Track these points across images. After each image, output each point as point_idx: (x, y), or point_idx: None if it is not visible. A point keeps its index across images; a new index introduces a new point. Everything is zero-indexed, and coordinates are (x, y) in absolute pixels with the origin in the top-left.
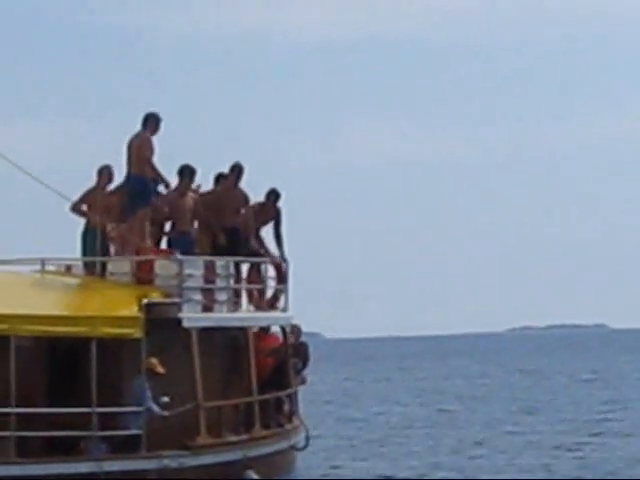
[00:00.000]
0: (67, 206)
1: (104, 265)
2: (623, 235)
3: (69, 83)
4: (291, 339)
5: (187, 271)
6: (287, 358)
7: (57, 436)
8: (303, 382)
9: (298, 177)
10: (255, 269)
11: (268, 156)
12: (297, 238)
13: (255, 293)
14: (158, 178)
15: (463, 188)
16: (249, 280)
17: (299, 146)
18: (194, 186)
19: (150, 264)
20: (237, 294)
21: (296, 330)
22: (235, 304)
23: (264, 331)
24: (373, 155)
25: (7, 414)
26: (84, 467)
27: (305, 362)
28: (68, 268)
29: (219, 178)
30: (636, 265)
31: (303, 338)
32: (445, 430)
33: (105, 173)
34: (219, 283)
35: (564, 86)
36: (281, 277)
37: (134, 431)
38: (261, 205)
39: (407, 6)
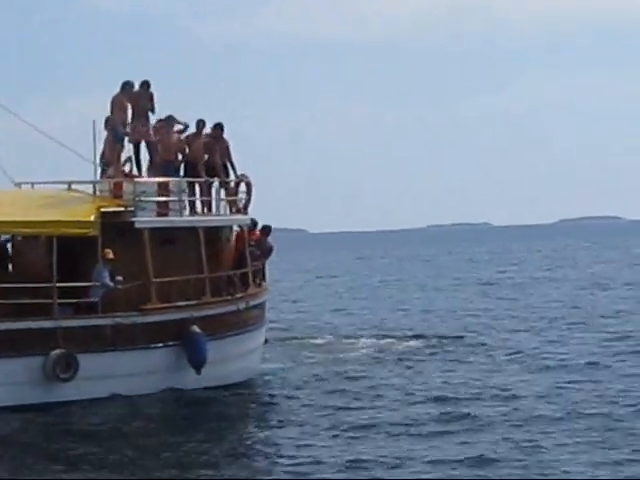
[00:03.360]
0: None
1: None
2: None
3: None
4: (255, 234)
5: (140, 189)
6: (244, 247)
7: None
8: (259, 264)
9: None
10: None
11: None
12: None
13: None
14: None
15: None
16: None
17: None
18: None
19: (120, 185)
20: (193, 205)
21: (267, 229)
22: (190, 211)
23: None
24: None
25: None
26: (48, 324)
27: (264, 252)
28: (69, 187)
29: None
30: None
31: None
32: None
33: (128, 86)
34: (171, 197)
35: None
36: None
37: (93, 299)
38: (216, 139)
39: None
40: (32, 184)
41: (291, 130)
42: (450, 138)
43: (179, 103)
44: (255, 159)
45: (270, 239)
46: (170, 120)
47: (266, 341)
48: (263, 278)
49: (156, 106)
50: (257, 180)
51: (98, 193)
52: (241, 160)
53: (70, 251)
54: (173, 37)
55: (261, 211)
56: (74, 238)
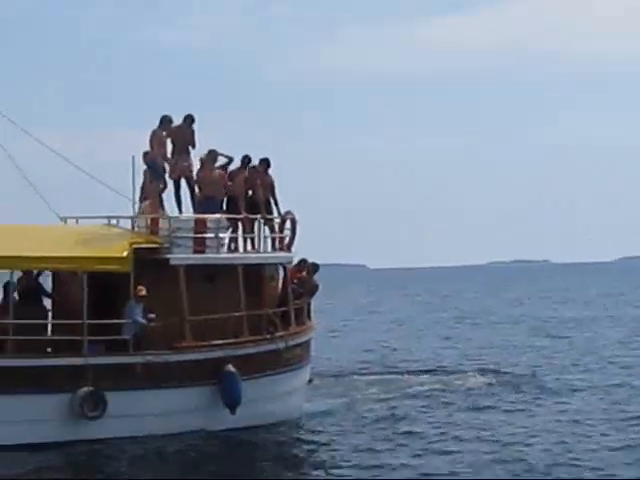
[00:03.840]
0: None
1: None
2: None
3: None
4: (300, 272)
5: (176, 225)
6: (286, 285)
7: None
8: (303, 302)
9: None
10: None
11: None
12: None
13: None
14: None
15: None
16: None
17: None
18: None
19: (157, 221)
20: (234, 241)
21: (311, 266)
22: (229, 248)
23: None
24: None
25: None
26: (76, 361)
27: (309, 290)
28: (109, 222)
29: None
30: None
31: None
32: None
33: (166, 120)
34: (209, 234)
35: None
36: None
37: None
38: (261, 175)
39: None
40: (77, 219)
41: (351, 163)
42: (511, 173)
43: (241, 136)
44: (318, 192)
45: (316, 277)
46: (212, 154)
47: (311, 380)
48: (308, 316)
49: (197, 141)
50: (318, 214)
51: (137, 229)
52: (308, 193)
53: (105, 288)
54: (236, 72)
55: (320, 245)
56: (109, 274)
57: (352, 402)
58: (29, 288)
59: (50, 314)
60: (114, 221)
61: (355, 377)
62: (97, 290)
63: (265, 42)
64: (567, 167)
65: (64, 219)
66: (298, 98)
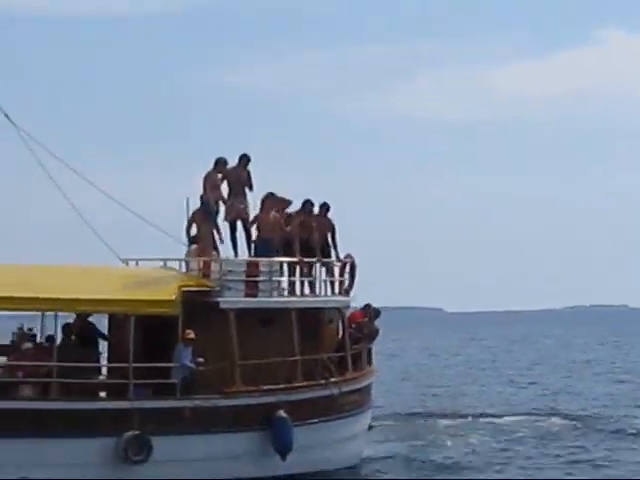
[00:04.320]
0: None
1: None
2: None
3: None
4: (363, 317)
5: (227, 268)
6: (344, 330)
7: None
8: (362, 347)
9: None
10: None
11: None
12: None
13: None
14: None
15: None
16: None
17: None
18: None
19: (208, 263)
20: (291, 284)
21: (371, 310)
22: (281, 291)
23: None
24: None
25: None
26: (122, 405)
27: (369, 335)
28: (164, 264)
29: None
30: None
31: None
32: None
33: (221, 162)
34: (261, 277)
35: None
36: (343, 272)
37: (171, 380)
38: (319, 219)
39: None
40: (137, 261)
41: (423, 208)
42: (586, 216)
43: (307, 178)
44: (396, 237)
45: (377, 322)
46: (270, 197)
47: (371, 427)
48: (369, 361)
49: (254, 183)
50: (397, 258)
51: (190, 271)
52: (385, 237)
53: (156, 330)
54: (308, 114)
55: (397, 289)
56: (159, 317)
57: (416, 447)
58: (83, 330)
59: (106, 356)
60: (170, 263)
61: (422, 421)
62: (149, 333)
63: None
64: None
65: (125, 261)
66: (362, 139)
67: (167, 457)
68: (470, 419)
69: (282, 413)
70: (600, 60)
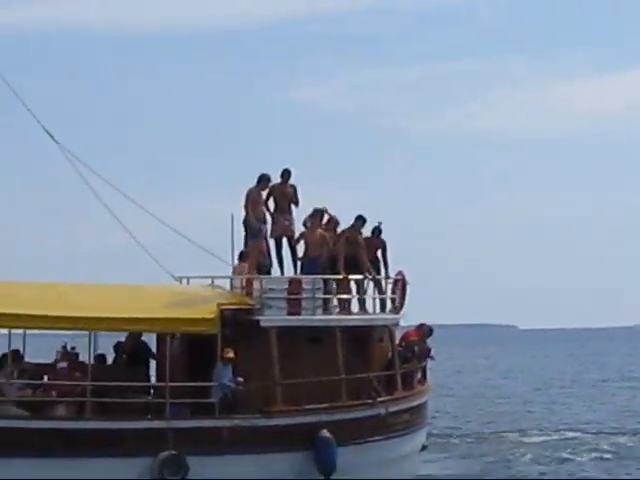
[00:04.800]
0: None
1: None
2: None
3: None
4: (415, 336)
5: (267, 286)
6: (393, 348)
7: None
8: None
9: None
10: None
11: None
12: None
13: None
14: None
15: None
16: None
17: None
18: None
19: (251, 281)
20: (342, 301)
21: (425, 329)
22: (330, 309)
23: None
24: None
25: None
26: (158, 424)
27: (420, 354)
28: (212, 282)
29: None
30: None
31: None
32: None
33: (264, 179)
34: (304, 294)
35: None
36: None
37: (210, 400)
38: (369, 239)
39: None
40: (188, 279)
41: (497, 223)
42: None
43: (377, 195)
44: (466, 255)
45: (429, 341)
46: (316, 214)
47: (424, 447)
48: (423, 379)
49: (300, 198)
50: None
51: (235, 289)
52: (454, 254)
53: (198, 349)
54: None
55: (470, 306)
56: (200, 336)
57: (476, 465)
58: (135, 348)
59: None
60: (218, 281)
61: (484, 439)
62: (193, 351)
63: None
64: None
65: (179, 279)
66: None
67: (204, 477)
68: (538, 435)
69: (325, 433)
70: None
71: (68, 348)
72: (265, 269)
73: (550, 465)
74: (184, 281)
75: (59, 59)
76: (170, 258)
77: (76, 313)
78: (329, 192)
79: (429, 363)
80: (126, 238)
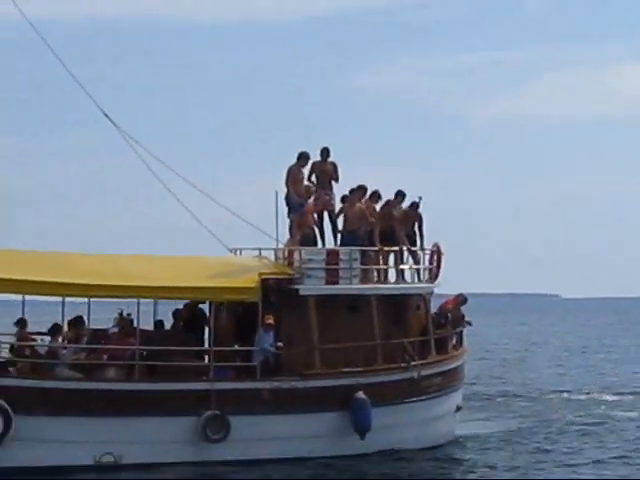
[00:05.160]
0: None
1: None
2: None
3: None
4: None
5: (306, 257)
6: (425, 317)
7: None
8: (445, 331)
9: None
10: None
11: None
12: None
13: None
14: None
15: None
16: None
17: None
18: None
19: (292, 252)
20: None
21: (460, 298)
22: (370, 277)
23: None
24: None
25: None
26: (202, 386)
27: (454, 320)
28: (260, 253)
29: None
30: None
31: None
32: None
33: (303, 156)
34: (342, 265)
35: None
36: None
37: (251, 363)
38: (406, 212)
39: None
40: (241, 250)
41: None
42: None
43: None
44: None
45: (463, 308)
46: (358, 191)
47: (459, 408)
48: (460, 344)
49: (340, 175)
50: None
51: (279, 260)
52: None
53: (243, 316)
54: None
55: (513, 275)
56: (244, 304)
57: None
58: (191, 315)
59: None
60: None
61: (518, 401)
62: (237, 318)
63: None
64: None
65: (233, 250)
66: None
67: (245, 436)
68: (567, 396)
69: (361, 394)
70: None
71: (124, 315)
72: (311, 241)
73: (589, 426)
74: (238, 253)
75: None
76: (227, 232)
77: (131, 282)
78: (391, 173)
79: (466, 329)
80: (188, 216)
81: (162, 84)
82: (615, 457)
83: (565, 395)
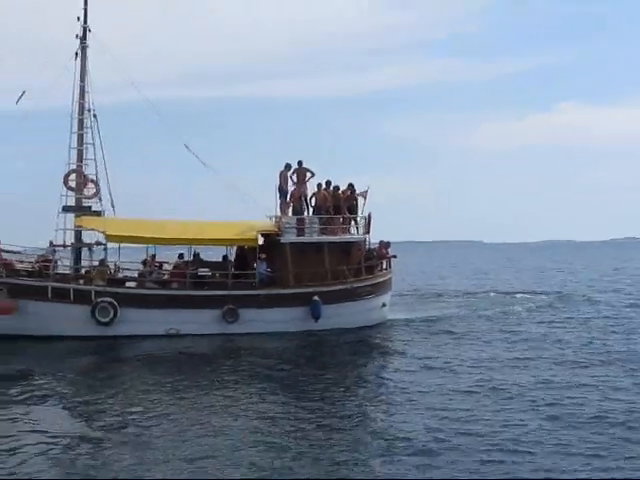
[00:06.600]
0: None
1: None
2: None
3: None
4: (378, 247)
5: (286, 221)
6: (360, 254)
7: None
8: (373, 262)
9: None
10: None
11: None
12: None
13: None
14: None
15: None
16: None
17: None
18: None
19: (279, 219)
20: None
21: (384, 243)
22: (322, 233)
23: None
24: None
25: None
26: (223, 292)
27: (376, 256)
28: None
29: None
30: None
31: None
32: None
33: (288, 165)
34: (306, 226)
35: None
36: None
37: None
38: (347, 195)
39: None
40: (270, 217)
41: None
42: None
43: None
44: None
45: (390, 250)
46: (322, 184)
47: (384, 305)
48: (385, 269)
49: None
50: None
51: (274, 223)
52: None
53: (249, 254)
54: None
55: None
56: (250, 247)
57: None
58: (242, 254)
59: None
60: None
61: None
62: (246, 255)
63: None
64: None
65: (269, 217)
66: None
67: (249, 320)
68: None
69: (316, 297)
70: None
71: (185, 256)
72: (298, 212)
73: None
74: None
75: None
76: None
77: (187, 235)
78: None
79: (394, 261)
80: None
81: None
82: (504, 331)
83: (480, 295)
